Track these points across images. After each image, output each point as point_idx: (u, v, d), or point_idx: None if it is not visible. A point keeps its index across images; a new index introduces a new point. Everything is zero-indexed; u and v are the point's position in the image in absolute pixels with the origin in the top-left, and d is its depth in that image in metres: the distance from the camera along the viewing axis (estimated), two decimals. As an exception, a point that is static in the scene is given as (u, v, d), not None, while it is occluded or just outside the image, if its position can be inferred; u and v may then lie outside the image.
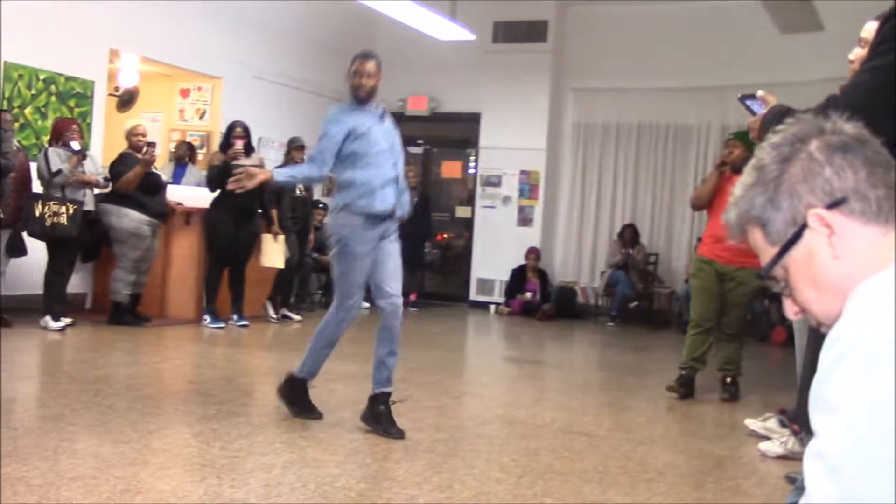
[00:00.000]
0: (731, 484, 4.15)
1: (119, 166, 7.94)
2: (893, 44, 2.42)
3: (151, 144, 8.05)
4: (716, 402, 6.20)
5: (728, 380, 6.37)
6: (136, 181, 7.84)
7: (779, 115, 4.26)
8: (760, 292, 6.48)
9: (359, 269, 4.72)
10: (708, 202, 6.52)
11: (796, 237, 1.23)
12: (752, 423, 5.11)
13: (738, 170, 6.32)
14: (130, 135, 8.08)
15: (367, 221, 4.67)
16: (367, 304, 11.31)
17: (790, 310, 1.32)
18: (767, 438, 4.83)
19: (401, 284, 4.94)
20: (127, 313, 8.01)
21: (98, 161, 8.20)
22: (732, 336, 6.41)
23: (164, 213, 8.21)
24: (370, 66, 4.74)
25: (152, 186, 8.02)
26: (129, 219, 7.86)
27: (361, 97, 4.76)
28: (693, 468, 4.36)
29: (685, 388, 6.29)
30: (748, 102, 4.64)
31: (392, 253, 4.88)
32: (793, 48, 10.11)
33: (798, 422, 4.61)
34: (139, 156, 7.91)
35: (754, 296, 6.45)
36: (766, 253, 1.28)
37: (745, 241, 1.34)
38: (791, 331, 9.40)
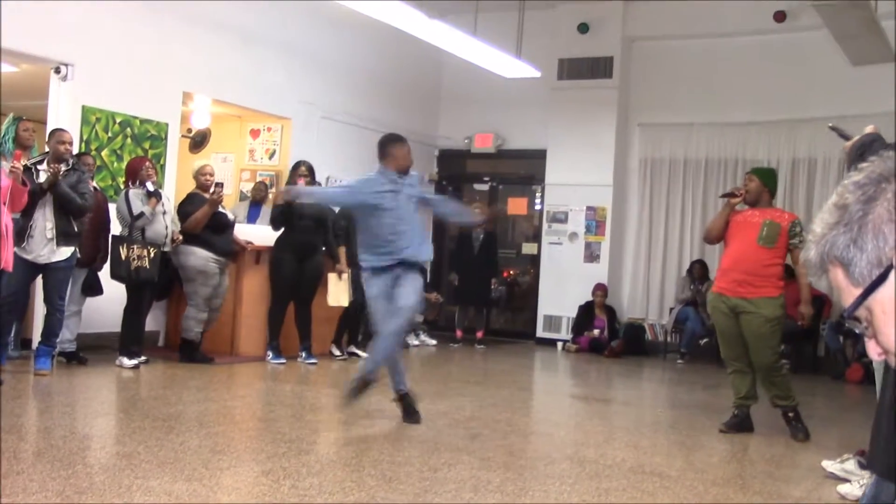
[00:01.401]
0: (810, 528, 4.04)
1: (187, 206, 8.10)
2: None
3: (219, 185, 8.20)
4: (790, 443, 6.03)
5: (790, 415, 6.11)
6: (203, 220, 7.98)
7: (863, 145, 4.19)
8: (777, 319, 6.09)
9: None
10: (719, 235, 6.35)
11: (882, 279, 1.20)
12: (830, 465, 4.97)
13: (752, 203, 6.26)
14: (199, 174, 8.26)
15: None
16: (433, 342, 11.36)
17: (873, 351, 1.29)
18: (846, 481, 4.69)
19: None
20: (189, 350, 8.11)
21: (172, 200, 8.37)
22: (766, 370, 6.08)
23: (231, 252, 8.34)
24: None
25: (219, 225, 8.15)
26: (196, 257, 8.00)
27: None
28: (769, 511, 4.26)
29: (739, 427, 6.20)
30: (841, 129, 4.52)
31: None
32: (865, 80, 9.94)
33: (872, 466, 4.46)
34: (206, 195, 8.07)
35: (774, 324, 6.05)
36: (849, 293, 1.25)
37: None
38: (867, 368, 9.20)
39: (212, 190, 8.08)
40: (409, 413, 5.86)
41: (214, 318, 8.28)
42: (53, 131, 7.15)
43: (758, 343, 6.05)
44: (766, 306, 6.00)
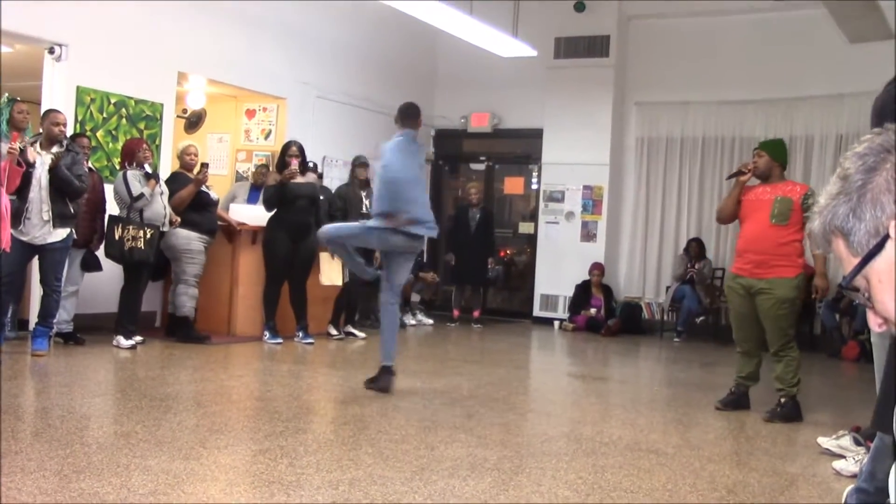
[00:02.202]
0: (805, 503, 4.05)
1: (171, 184, 8.11)
2: None
3: (205, 165, 8.20)
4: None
5: (782, 399, 5.99)
6: (188, 199, 8.00)
7: None
8: (791, 301, 5.97)
9: None
10: (732, 214, 6.22)
11: (878, 248, 1.20)
12: (826, 442, 4.99)
13: (764, 178, 6.14)
14: (183, 154, 8.32)
15: None
16: (430, 321, 11.37)
17: (873, 321, 1.29)
18: (841, 457, 4.71)
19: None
20: (185, 328, 8.12)
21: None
22: (776, 354, 6.02)
23: (214, 230, 8.35)
24: None
25: (201, 204, 8.18)
26: (178, 236, 8.03)
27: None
28: (765, 487, 4.27)
29: (736, 405, 6.21)
30: None
31: None
32: (862, 57, 9.92)
33: (880, 426, 4.45)
34: (190, 175, 8.07)
35: (788, 306, 5.95)
36: (849, 263, 1.25)
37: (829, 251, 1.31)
38: (863, 346, 9.22)
39: (197, 170, 8.09)
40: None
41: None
42: (47, 112, 7.11)
43: (769, 323, 6.00)
44: (780, 287, 5.89)
